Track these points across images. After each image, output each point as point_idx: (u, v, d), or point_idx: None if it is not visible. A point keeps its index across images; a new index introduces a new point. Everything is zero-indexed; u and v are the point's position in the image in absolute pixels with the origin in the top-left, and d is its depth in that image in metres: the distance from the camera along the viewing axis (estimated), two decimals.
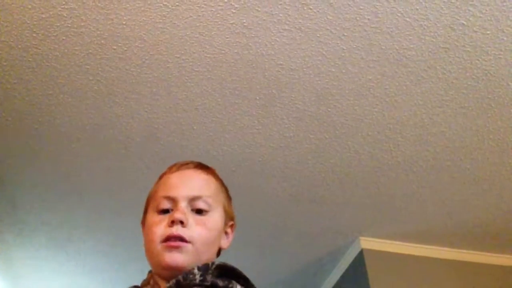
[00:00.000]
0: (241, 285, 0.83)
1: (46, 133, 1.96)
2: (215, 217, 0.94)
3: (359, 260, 2.53)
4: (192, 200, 0.92)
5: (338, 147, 2.01)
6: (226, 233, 0.98)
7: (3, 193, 2.28)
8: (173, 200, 0.92)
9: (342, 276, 2.69)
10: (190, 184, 0.95)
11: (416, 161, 2.07)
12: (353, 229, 2.49)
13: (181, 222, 0.88)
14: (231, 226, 0.99)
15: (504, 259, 2.67)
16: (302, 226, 2.47)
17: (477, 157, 2.05)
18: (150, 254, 0.89)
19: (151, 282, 0.89)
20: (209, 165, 1.04)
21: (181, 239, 0.86)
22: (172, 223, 0.88)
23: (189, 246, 0.86)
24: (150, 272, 0.92)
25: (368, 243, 2.54)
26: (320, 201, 2.30)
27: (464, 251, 2.64)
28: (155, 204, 0.94)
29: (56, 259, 2.75)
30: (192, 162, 1.01)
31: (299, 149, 2.03)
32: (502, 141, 1.97)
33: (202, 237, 0.88)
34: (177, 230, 0.87)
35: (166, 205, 0.92)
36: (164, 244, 0.87)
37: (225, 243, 0.96)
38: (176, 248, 0.86)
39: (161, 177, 1.01)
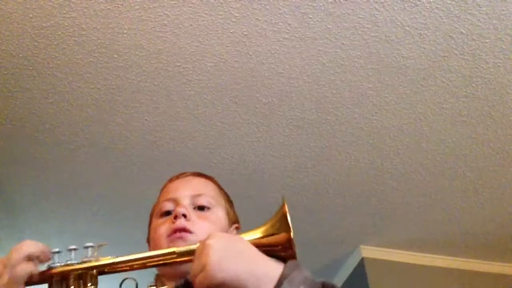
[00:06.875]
0: None
1: (47, 141, 1.96)
2: (218, 214, 0.95)
3: (360, 269, 2.51)
4: (193, 197, 0.93)
5: (337, 155, 2.01)
6: None
7: (2, 201, 2.28)
8: (175, 201, 0.93)
9: (343, 285, 2.67)
10: (191, 185, 0.97)
11: (416, 169, 2.07)
12: (354, 237, 2.49)
13: (184, 216, 0.88)
14: (237, 228, 1.00)
15: (505, 268, 2.66)
16: (302, 235, 2.46)
17: (477, 165, 2.04)
18: None
19: (158, 284, 0.88)
20: (209, 173, 1.04)
21: (185, 230, 0.87)
22: (175, 218, 0.88)
23: (192, 236, 0.87)
24: (156, 274, 0.92)
25: (368, 251, 2.53)
26: (320, 209, 2.29)
27: (465, 259, 2.63)
28: (158, 210, 0.95)
29: None
30: (191, 171, 1.03)
31: (298, 157, 2.03)
32: (502, 149, 1.97)
33: (205, 229, 0.88)
34: (180, 222, 0.88)
35: (168, 206, 0.93)
36: (169, 238, 0.88)
37: None
38: (180, 238, 0.86)
39: (162, 189, 1.02)
